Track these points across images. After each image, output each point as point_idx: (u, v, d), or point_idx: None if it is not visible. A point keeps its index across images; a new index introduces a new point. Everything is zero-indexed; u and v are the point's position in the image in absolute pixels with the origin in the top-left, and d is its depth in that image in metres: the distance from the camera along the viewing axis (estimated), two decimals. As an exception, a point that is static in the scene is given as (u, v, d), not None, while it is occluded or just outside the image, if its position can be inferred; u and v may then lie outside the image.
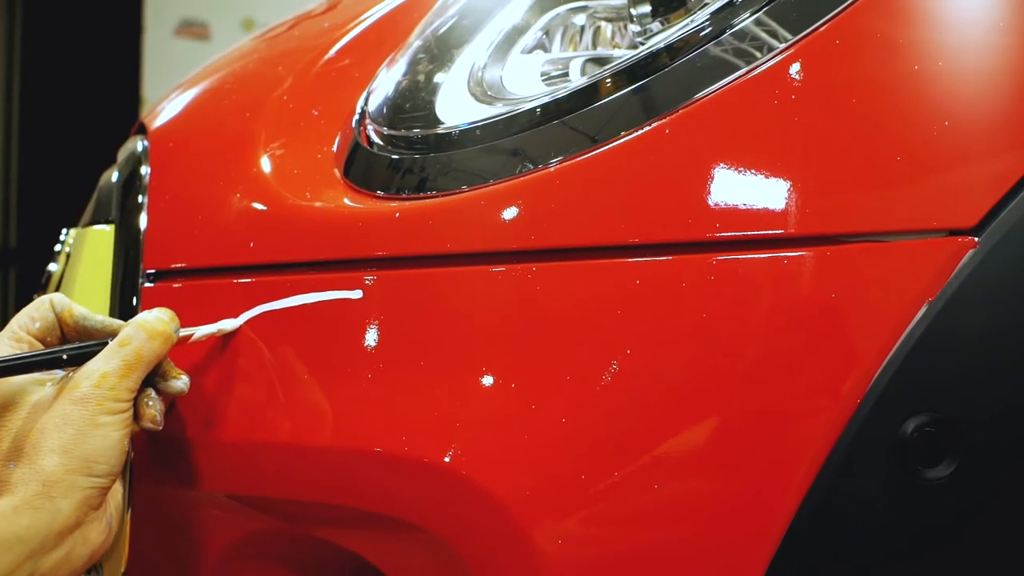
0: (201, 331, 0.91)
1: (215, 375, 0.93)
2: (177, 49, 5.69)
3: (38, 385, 0.88)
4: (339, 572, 0.97)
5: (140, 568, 0.99)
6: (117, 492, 0.89)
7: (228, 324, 0.91)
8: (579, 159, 0.85)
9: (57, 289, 1.15)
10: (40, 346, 0.91)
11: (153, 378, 0.89)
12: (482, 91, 0.96)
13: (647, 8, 0.95)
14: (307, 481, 0.87)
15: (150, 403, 0.89)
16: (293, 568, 0.98)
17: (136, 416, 0.88)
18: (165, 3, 5.83)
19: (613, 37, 1.07)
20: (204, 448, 0.93)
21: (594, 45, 1.07)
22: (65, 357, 0.88)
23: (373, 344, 0.86)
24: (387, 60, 1.04)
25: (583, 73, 0.98)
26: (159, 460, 0.96)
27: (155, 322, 0.88)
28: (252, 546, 0.97)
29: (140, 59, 5.77)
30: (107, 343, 0.88)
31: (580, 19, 1.06)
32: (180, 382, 0.90)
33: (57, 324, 0.91)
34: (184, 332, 0.90)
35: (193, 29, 5.82)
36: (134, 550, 0.97)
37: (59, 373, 0.88)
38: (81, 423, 0.84)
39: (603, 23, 1.07)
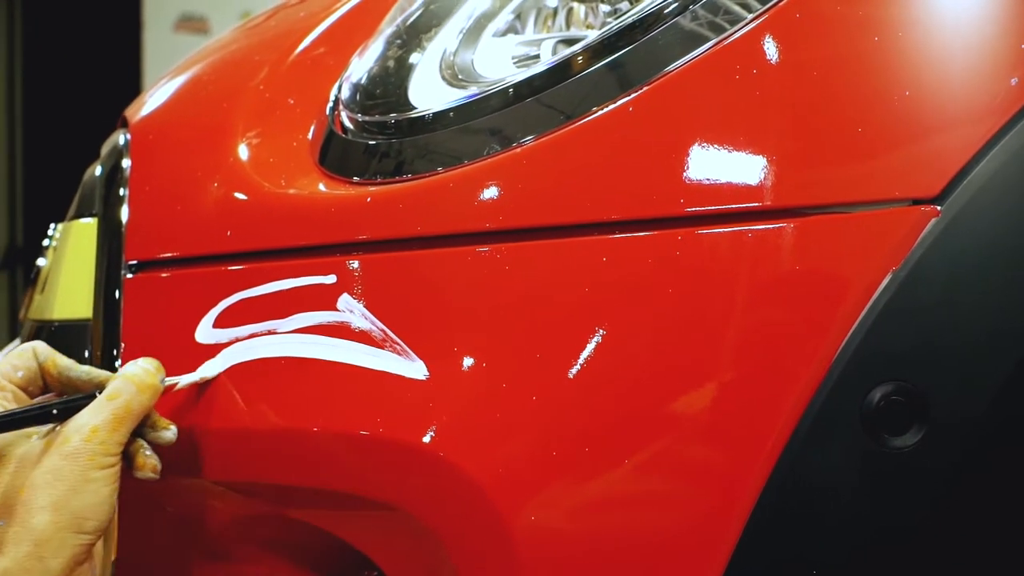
0: (185, 380, 0.91)
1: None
2: (177, 44, 5.70)
3: (24, 438, 0.87)
4: (326, 556, 0.98)
5: (130, 557, 1.00)
6: (101, 539, 0.88)
7: (209, 371, 0.91)
8: (551, 136, 0.86)
9: (45, 283, 1.16)
10: (22, 395, 0.90)
11: (142, 429, 0.89)
12: (453, 75, 0.97)
13: (618, -15, 0.96)
14: (288, 465, 0.88)
15: (148, 453, 0.89)
16: (282, 552, 0.98)
17: (134, 466, 0.88)
18: (164, -2, 5.84)
19: (586, 17, 1.08)
20: (190, 436, 0.93)
21: (567, 26, 1.07)
22: (55, 411, 0.87)
23: (352, 328, 0.87)
24: (359, 48, 1.05)
25: (554, 54, 0.99)
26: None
27: (143, 374, 0.88)
28: (240, 531, 0.97)
29: (140, 55, 5.78)
30: (95, 395, 0.87)
31: (552, 1, 1.07)
32: (169, 432, 0.90)
33: (40, 374, 0.91)
34: (169, 381, 0.90)
35: (192, 23, 5.83)
36: (124, 540, 0.98)
37: (46, 426, 0.88)
38: (72, 479, 0.83)
39: (575, 4, 1.07)
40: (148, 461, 0.88)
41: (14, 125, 6.87)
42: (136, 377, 0.88)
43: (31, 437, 0.87)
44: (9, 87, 6.88)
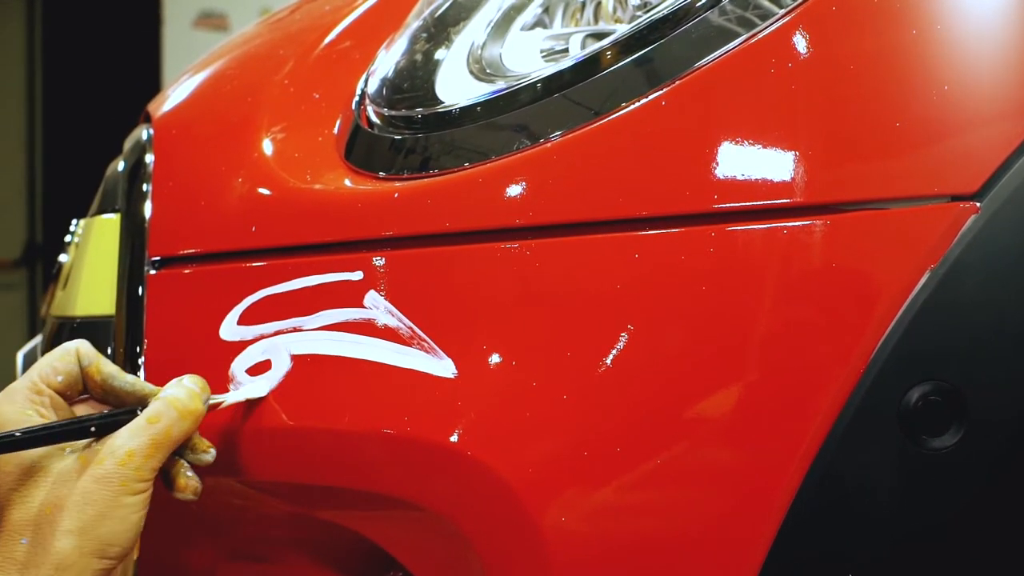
0: (231, 399, 0.88)
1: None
2: (196, 41, 5.71)
3: (60, 452, 0.84)
4: (351, 556, 0.97)
5: (152, 556, 0.99)
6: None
7: (256, 391, 0.89)
8: (579, 132, 0.84)
9: (67, 279, 1.16)
10: (60, 400, 0.87)
11: (181, 449, 0.86)
12: (481, 69, 0.96)
13: (647, -22, 0.94)
14: (313, 465, 0.87)
15: (189, 475, 0.86)
16: (307, 552, 0.98)
17: (174, 488, 0.86)
18: (183, -5, 5.85)
19: (615, 12, 1.06)
20: (214, 435, 0.93)
21: (595, 20, 1.06)
22: (93, 428, 0.84)
23: (379, 325, 0.86)
24: (386, 42, 1.04)
25: (583, 48, 0.98)
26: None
27: (187, 399, 0.85)
28: (263, 530, 0.97)
29: (160, 52, 5.80)
30: (136, 412, 0.85)
31: (581, -6, 1.06)
32: (209, 455, 0.87)
33: (81, 378, 0.88)
34: (214, 400, 0.87)
35: (212, 20, 5.84)
36: (147, 539, 0.98)
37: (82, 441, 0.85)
38: (102, 504, 0.81)
39: (604, -2, 1.06)
40: (190, 483, 0.86)
41: (34, 122, 6.90)
42: (179, 402, 0.85)
43: (65, 451, 0.84)
44: (29, 84, 6.90)
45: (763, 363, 0.77)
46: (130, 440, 0.83)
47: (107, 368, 0.88)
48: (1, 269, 6.28)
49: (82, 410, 0.89)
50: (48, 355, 0.88)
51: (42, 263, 6.78)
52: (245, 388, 0.89)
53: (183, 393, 0.85)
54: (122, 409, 0.86)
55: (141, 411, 0.85)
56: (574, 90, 0.87)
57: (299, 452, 0.87)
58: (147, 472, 0.82)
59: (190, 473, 0.86)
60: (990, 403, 0.74)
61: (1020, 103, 0.76)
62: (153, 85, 5.39)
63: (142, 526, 0.83)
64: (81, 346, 0.88)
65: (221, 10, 5.86)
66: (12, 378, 1.31)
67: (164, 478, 0.86)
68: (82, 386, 0.88)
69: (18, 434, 0.82)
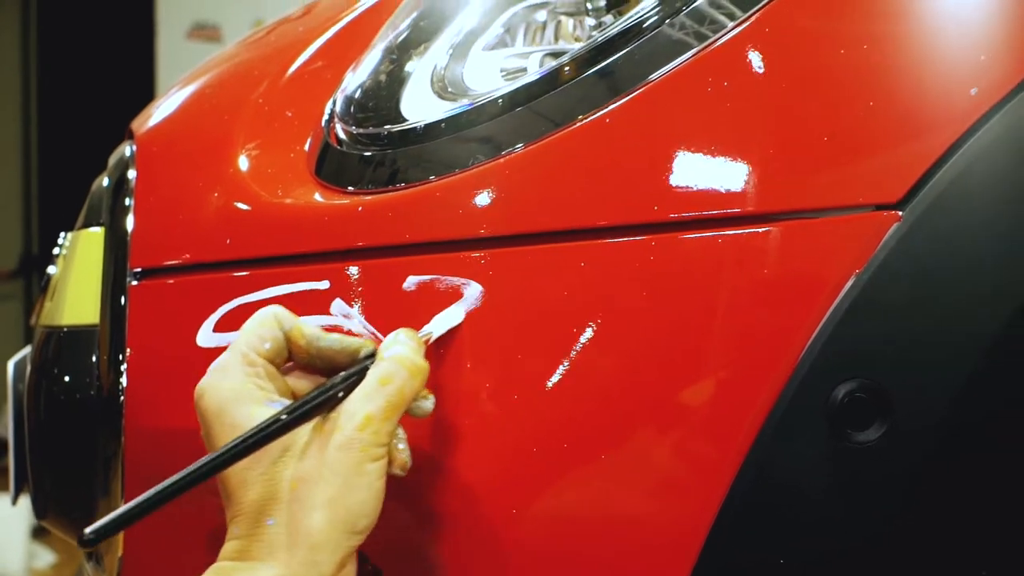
0: (437, 332, 0.86)
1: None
2: (190, 52, 5.72)
3: None
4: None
5: (137, 554, 1.04)
6: None
7: (455, 319, 0.87)
8: (537, 145, 0.89)
9: (55, 290, 1.20)
10: (272, 369, 0.85)
11: None
12: (443, 88, 1.01)
13: (602, 2, 1.00)
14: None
15: (401, 447, 0.83)
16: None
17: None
18: (177, 6, 5.87)
19: (575, 31, 1.12)
20: (188, 437, 0.97)
21: (556, 40, 1.11)
22: (341, 395, 0.81)
23: (344, 331, 0.91)
24: (353, 64, 1.09)
25: (541, 67, 1.03)
26: (153, 452, 1.01)
27: (413, 355, 0.82)
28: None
29: (154, 63, 5.82)
30: (366, 369, 0.82)
31: (541, 15, 1.11)
32: (429, 402, 0.84)
33: (285, 344, 0.85)
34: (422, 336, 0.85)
35: (205, 32, 5.85)
36: (134, 541, 1.03)
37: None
38: (347, 473, 0.77)
39: (564, 18, 1.11)
40: (400, 456, 0.82)
41: (29, 133, 6.92)
42: (407, 360, 0.81)
43: None
44: (24, 95, 6.92)
45: (702, 363, 0.82)
46: (366, 403, 0.80)
47: (308, 330, 0.85)
48: None
49: (291, 380, 0.87)
50: (248, 325, 0.85)
51: (38, 274, 6.79)
52: (444, 317, 0.87)
53: (408, 350, 0.82)
54: (355, 368, 0.83)
55: (371, 364, 0.82)
56: (532, 105, 0.92)
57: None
58: (385, 436, 0.79)
59: (402, 446, 0.83)
60: (912, 400, 0.79)
61: (940, 118, 0.81)
62: (147, 97, 5.43)
63: (383, 496, 0.79)
64: (278, 310, 0.86)
65: (214, 22, 5.88)
66: (2, 387, 1.36)
67: None
68: (287, 352, 0.85)
69: (284, 416, 0.79)
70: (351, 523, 0.77)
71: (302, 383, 0.86)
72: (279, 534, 0.77)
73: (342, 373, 0.83)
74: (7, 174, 6.72)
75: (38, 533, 4.39)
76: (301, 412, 0.80)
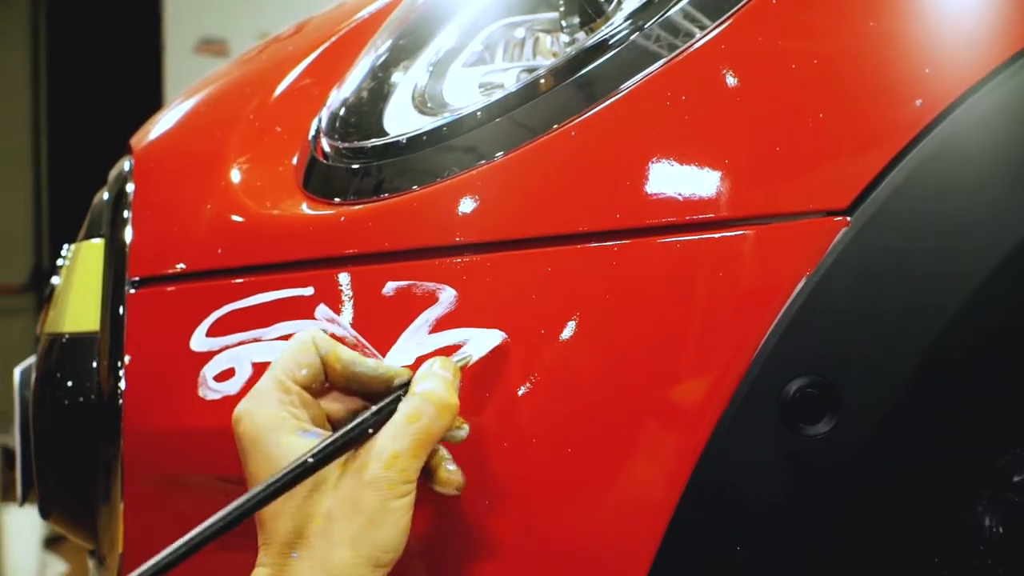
0: (474, 358, 0.88)
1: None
2: (197, 66, 5.76)
3: None
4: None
5: (139, 551, 1.09)
6: None
7: (492, 339, 0.89)
8: (511, 155, 0.94)
9: (58, 299, 1.26)
10: (307, 396, 0.86)
11: None
12: (424, 103, 1.06)
13: (576, 20, 1.05)
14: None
15: (451, 468, 0.85)
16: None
17: (434, 480, 0.84)
18: (184, 22, 5.90)
19: (552, 47, 1.17)
20: (190, 437, 1.03)
21: (535, 56, 1.16)
22: (371, 431, 0.83)
23: (327, 334, 0.96)
24: (338, 82, 1.14)
25: (517, 81, 1.08)
26: (151, 452, 1.06)
27: (443, 392, 0.83)
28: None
29: (162, 78, 5.87)
30: (399, 401, 0.84)
31: (520, 32, 1.16)
32: (463, 431, 0.86)
33: (322, 369, 0.86)
34: (459, 362, 0.87)
35: (212, 46, 5.89)
36: (132, 534, 1.08)
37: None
38: (372, 510, 0.79)
39: (541, 35, 1.16)
40: (452, 477, 0.84)
41: (39, 148, 6.98)
42: (436, 397, 0.83)
43: None
44: (34, 110, 6.98)
45: (661, 361, 0.87)
46: (393, 442, 0.81)
47: (345, 355, 0.86)
48: (8, 294, 6.35)
49: (326, 403, 0.89)
50: (287, 350, 0.87)
51: (49, 288, 6.82)
52: (482, 338, 0.89)
53: (439, 386, 0.83)
54: (385, 402, 0.84)
55: (403, 395, 0.84)
56: (507, 117, 0.97)
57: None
58: (412, 473, 0.81)
59: (452, 467, 0.85)
60: (859, 394, 0.83)
61: (886, 129, 0.86)
62: (155, 111, 5.48)
63: (410, 528, 0.81)
64: (316, 335, 0.87)
65: (221, 36, 5.91)
66: (9, 395, 1.41)
67: (423, 471, 0.84)
68: (324, 377, 0.87)
69: (310, 459, 0.80)
70: (375, 558, 0.79)
71: (337, 406, 0.88)
72: (305, 568, 0.79)
73: (372, 408, 0.85)
74: (18, 189, 6.78)
75: (50, 543, 4.45)
76: (330, 451, 0.81)
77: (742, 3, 0.91)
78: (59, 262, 1.38)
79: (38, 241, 6.95)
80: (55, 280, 1.37)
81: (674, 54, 0.92)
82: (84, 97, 6.85)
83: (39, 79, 6.96)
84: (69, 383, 1.13)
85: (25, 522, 4.16)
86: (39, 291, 6.90)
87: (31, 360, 1.38)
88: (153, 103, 5.78)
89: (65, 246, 1.37)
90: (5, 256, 6.74)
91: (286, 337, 0.96)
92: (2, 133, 6.40)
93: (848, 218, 0.85)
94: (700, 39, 0.92)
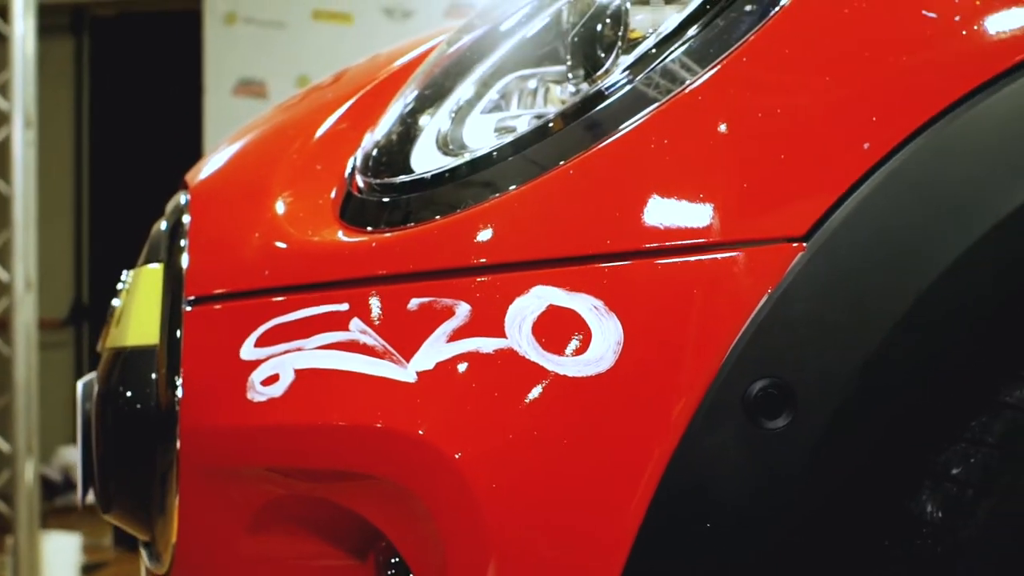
0: None
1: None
2: (236, 108, 5.91)
3: None
4: (347, 531, 1.21)
5: (191, 542, 1.23)
6: None
7: None
8: (517, 191, 1.09)
9: (119, 318, 1.41)
10: None
11: None
12: (445, 145, 1.21)
13: (580, 72, 1.20)
14: (310, 451, 1.12)
15: None
16: (311, 528, 1.22)
17: None
18: (223, 64, 6.05)
19: (561, 95, 1.32)
20: (238, 431, 1.17)
21: (545, 104, 1.31)
22: None
23: (360, 344, 1.10)
24: (371, 127, 1.30)
25: (527, 126, 1.23)
26: (206, 454, 1.21)
27: None
28: (279, 509, 1.21)
29: (202, 119, 6.02)
30: None
31: (532, 83, 1.31)
32: None
33: None
34: None
35: (251, 88, 6.03)
36: (187, 526, 1.22)
37: None
38: None
39: (551, 85, 1.31)
40: None
41: (81, 186, 7.14)
42: None
43: None
44: (77, 152, 7.15)
45: (641, 364, 1.01)
46: None
47: None
48: (49, 328, 6.37)
49: None
50: None
51: (88, 322, 6.95)
52: None
53: None
54: None
55: None
56: (520, 155, 1.12)
57: (298, 441, 1.12)
58: None
59: None
60: (812, 394, 0.98)
61: (837, 168, 1.00)
62: (195, 150, 5.62)
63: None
64: None
65: (260, 78, 6.05)
66: (71, 414, 1.55)
67: None
68: None
69: None
70: None
71: None
72: None
73: None
74: (60, 227, 6.93)
75: (88, 570, 4.59)
76: None
77: (720, 59, 1.06)
78: (118, 286, 1.53)
79: (78, 277, 7.11)
80: (115, 302, 1.52)
81: (660, 103, 1.07)
82: (126, 138, 7.02)
83: (82, 121, 7.14)
84: (130, 391, 1.27)
85: (64, 548, 4.31)
86: (79, 326, 7.04)
87: (91, 376, 1.53)
88: (193, 143, 5.94)
89: (124, 272, 1.52)
90: (47, 291, 6.90)
91: (325, 347, 1.11)
92: (46, 172, 6.57)
93: (804, 244, 0.99)
94: (682, 90, 1.06)
